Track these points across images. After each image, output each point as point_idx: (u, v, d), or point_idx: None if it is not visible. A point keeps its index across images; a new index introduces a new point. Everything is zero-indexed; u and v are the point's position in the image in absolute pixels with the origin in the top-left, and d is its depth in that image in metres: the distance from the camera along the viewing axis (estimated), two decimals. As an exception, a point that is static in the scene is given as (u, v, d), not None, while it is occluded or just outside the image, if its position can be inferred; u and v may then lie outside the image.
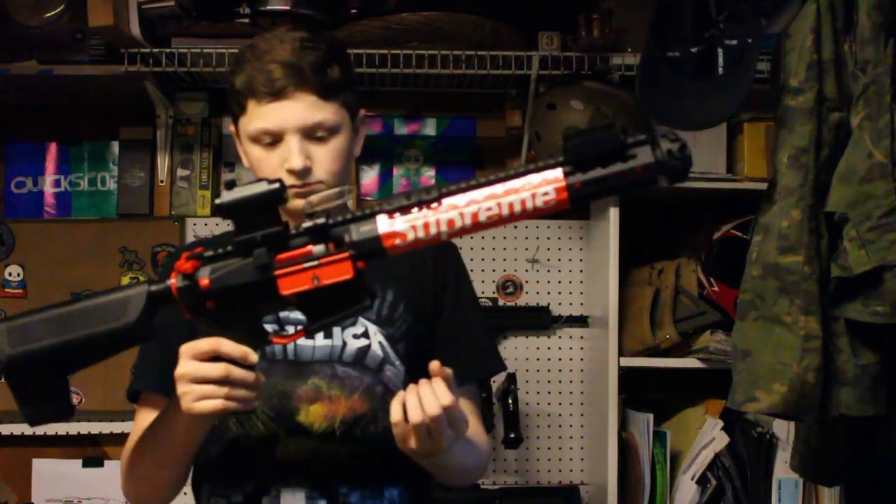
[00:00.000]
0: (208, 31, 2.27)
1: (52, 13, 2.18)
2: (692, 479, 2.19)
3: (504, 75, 2.31)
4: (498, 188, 0.98)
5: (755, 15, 1.95)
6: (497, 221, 0.99)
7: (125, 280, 2.43)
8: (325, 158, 1.33)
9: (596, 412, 2.34)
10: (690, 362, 2.22)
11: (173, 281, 1.06)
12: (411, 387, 1.17)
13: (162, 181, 2.48)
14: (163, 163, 2.47)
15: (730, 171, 2.36)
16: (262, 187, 1.03)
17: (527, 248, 2.51)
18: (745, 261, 1.80)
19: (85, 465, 2.41)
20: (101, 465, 2.40)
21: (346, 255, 1.03)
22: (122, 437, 1.39)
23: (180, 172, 2.48)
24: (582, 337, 2.49)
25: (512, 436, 2.32)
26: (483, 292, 2.49)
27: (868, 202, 1.62)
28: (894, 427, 1.78)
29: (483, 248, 2.50)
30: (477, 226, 1.00)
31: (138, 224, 2.47)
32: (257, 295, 1.06)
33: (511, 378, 2.38)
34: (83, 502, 2.40)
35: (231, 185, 1.04)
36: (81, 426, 2.38)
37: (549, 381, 2.49)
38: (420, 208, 1.01)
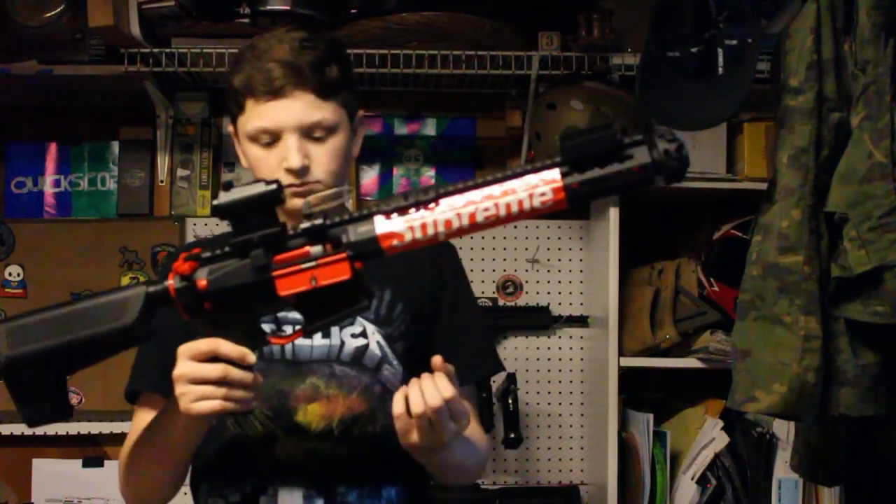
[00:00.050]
0: (208, 31, 2.27)
1: (52, 13, 2.18)
2: (692, 479, 2.19)
3: (504, 75, 2.31)
4: (495, 189, 0.99)
5: (755, 15, 1.95)
6: (495, 222, 0.99)
7: (125, 280, 2.43)
8: (323, 158, 1.33)
9: (596, 412, 2.34)
10: (690, 362, 2.22)
11: (171, 282, 1.06)
12: (413, 380, 1.18)
13: (162, 181, 2.48)
14: (163, 163, 2.47)
15: (730, 171, 2.35)
16: (260, 188, 1.03)
17: (527, 248, 2.51)
18: (745, 261, 1.80)
19: (85, 465, 2.41)
20: (101, 465, 2.41)
21: (343, 255, 1.03)
22: (122, 437, 1.38)
23: (180, 172, 2.48)
24: (582, 337, 2.49)
25: (512, 436, 2.32)
26: (483, 292, 2.49)
27: (868, 202, 1.62)
28: (894, 427, 1.78)
29: (483, 248, 2.50)
30: (474, 226, 1.00)
31: (138, 224, 2.47)
32: (255, 296, 1.06)
33: (511, 378, 2.38)
34: (83, 502, 2.40)
35: (228, 185, 1.04)
36: (81, 426, 2.38)
37: (549, 381, 2.49)
38: (418, 209, 1.01)
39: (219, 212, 1.04)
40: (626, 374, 2.21)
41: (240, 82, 1.34)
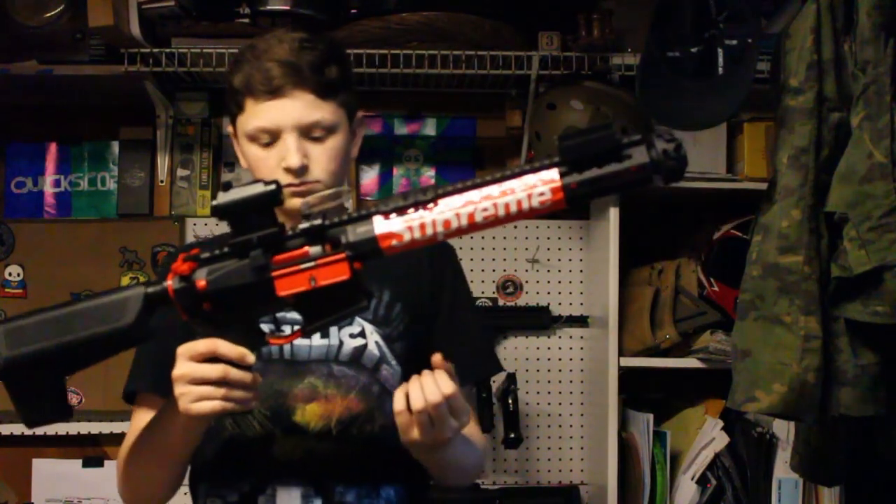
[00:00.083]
0: (208, 31, 2.27)
1: (52, 13, 2.18)
2: (692, 479, 2.19)
3: (504, 75, 2.31)
4: (494, 189, 0.99)
5: (755, 15, 1.95)
6: (493, 222, 0.99)
7: (125, 280, 2.43)
8: (322, 157, 1.33)
9: (596, 412, 2.34)
10: (690, 362, 2.22)
11: (170, 283, 1.06)
12: (414, 377, 1.18)
13: (162, 181, 2.48)
14: (163, 163, 2.47)
15: (730, 171, 2.35)
16: (259, 188, 1.03)
17: (527, 248, 2.51)
18: (745, 261, 1.80)
19: (85, 465, 2.41)
20: (101, 465, 2.41)
21: (342, 255, 1.03)
22: (121, 438, 1.39)
23: (180, 172, 2.48)
24: (582, 337, 2.49)
25: (512, 436, 2.32)
26: (483, 292, 2.49)
27: (868, 202, 1.62)
28: (894, 427, 1.78)
29: (483, 248, 2.50)
30: (473, 226, 1.00)
31: (138, 224, 2.47)
32: (254, 296, 1.06)
33: (511, 378, 2.38)
34: (83, 502, 2.40)
35: (227, 186, 1.04)
36: (81, 426, 2.38)
37: (549, 381, 2.49)
38: (416, 209, 1.01)
39: (218, 212, 1.04)
40: (626, 374, 2.21)
41: (239, 82, 1.34)
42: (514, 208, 0.98)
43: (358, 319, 1.37)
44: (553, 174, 0.97)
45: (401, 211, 1.01)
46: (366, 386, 1.35)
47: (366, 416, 1.34)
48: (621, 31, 2.27)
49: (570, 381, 2.49)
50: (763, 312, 1.73)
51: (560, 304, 2.50)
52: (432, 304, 1.43)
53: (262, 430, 1.33)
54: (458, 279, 1.49)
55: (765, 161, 2.26)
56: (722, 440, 2.19)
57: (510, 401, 2.34)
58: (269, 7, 2.22)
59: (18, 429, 2.31)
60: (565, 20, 2.28)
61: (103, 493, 2.38)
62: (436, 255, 1.44)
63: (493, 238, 2.50)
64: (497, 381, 2.37)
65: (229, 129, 1.42)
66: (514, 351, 2.48)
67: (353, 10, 2.28)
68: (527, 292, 2.51)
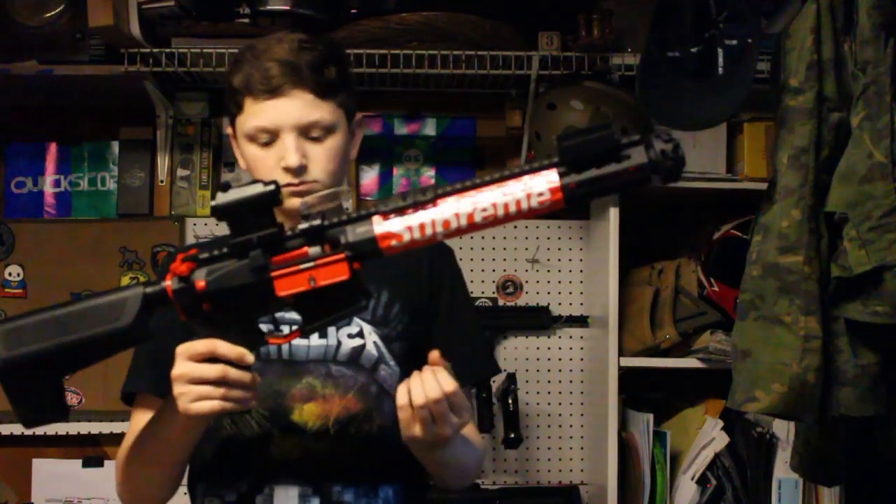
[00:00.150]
0: (208, 31, 2.27)
1: (52, 13, 2.18)
2: (692, 479, 2.19)
3: (504, 75, 2.31)
4: (493, 189, 0.99)
5: (755, 15, 1.94)
6: (493, 222, 1.00)
7: (125, 280, 2.43)
8: (321, 157, 1.34)
9: (596, 412, 2.34)
10: (690, 362, 2.22)
11: (168, 283, 1.06)
12: (415, 373, 1.18)
13: (162, 181, 2.48)
14: (163, 163, 2.47)
15: (730, 171, 2.35)
16: (258, 189, 1.03)
17: (527, 248, 2.51)
18: (745, 261, 1.80)
19: (85, 465, 2.41)
20: (101, 465, 2.41)
21: (342, 256, 1.03)
22: (121, 438, 1.38)
23: (180, 172, 2.48)
24: (582, 337, 2.49)
25: (512, 436, 2.32)
26: (483, 292, 2.49)
27: (868, 202, 1.62)
28: (894, 427, 1.78)
29: (483, 248, 2.50)
30: (472, 226, 1.00)
31: (138, 224, 2.47)
32: (253, 296, 1.06)
33: (511, 378, 2.38)
34: (83, 502, 2.40)
35: (226, 186, 1.04)
36: (81, 426, 2.38)
37: (549, 381, 2.49)
38: (416, 209, 1.01)
39: (217, 212, 1.04)
40: (626, 374, 2.21)
41: (239, 82, 1.35)
42: (513, 208, 0.98)
43: (356, 319, 1.37)
44: (552, 174, 0.98)
45: (400, 211, 1.01)
46: (364, 386, 1.35)
47: (364, 416, 1.35)
48: (621, 31, 2.27)
49: (570, 381, 2.49)
50: (763, 312, 1.73)
51: (560, 304, 2.50)
52: (431, 305, 1.43)
53: (259, 429, 1.33)
54: (456, 280, 1.49)
55: (765, 161, 2.26)
56: (722, 440, 2.19)
57: (510, 401, 2.34)
58: (269, 7, 2.22)
59: (18, 429, 2.27)
60: (565, 20, 2.28)
61: (103, 493, 2.38)
62: (435, 255, 1.44)
63: (493, 238, 2.50)
64: (497, 381, 2.37)
65: (228, 129, 1.42)
66: (514, 351, 2.48)
67: (353, 10, 2.28)
68: (527, 292, 2.51)
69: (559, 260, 2.51)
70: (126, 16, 2.14)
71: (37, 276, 2.44)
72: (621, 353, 2.21)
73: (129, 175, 2.48)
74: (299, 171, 1.32)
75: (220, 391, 1.09)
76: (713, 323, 2.20)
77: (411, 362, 1.30)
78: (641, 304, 2.25)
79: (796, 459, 1.91)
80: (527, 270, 2.51)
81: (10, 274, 2.44)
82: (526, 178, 0.98)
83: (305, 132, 1.33)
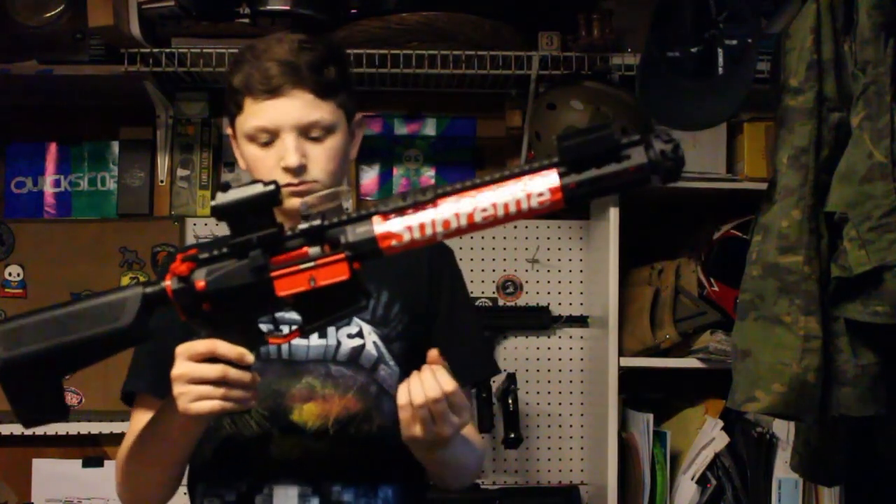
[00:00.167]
0: (208, 31, 2.27)
1: (52, 13, 2.18)
2: (692, 479, 2.18)
3: (504, 75, 2.31)
4: (493, 189, 0.99)
5: (755, 15, 1.94)
6: (493, 222, 1.00)
7: (125, 280, 2.43)
8: (320, 157, 1.34)
9: (596, 412, 2.34)
10: (690, 362, 2.22)
11: (168, 283, 1.06)
12: (414, 373, 1.19)
13: (162, 181, 2.48)
14: (163, 163, 2.47)
15: (730, 171, 2.35)
16: (258, 189, 1.03)
17: (527, 248, 2.51)
18: (745, 261, 1.79)
19: (85, 465, 2.41)
20: (101, 465, 2.41)
21: (342, 256, 1.03)
22: (121, 438, 1.39)
23: (180, 172, 2.48)
24: (582, 337, 2.49)
25: (512, 436, 2.32)
26: (483, 292, 2.49)
27: (868, 202, 1.62)
28: (894, 427, 1.78)
29: (483, 248, 2.50)
30: (473, 226, 1.00)
31: (138, 224, 2.47)
32: (254, 296, 1.06)
33: (511, 378, 2.38)
34: (83, 502, 2.40)
35: (226, 186, 1.04)
36: (81, 426, 2.38)
37: (549, 381, 2.49)
38: (416, 209, 1.01)
39: (217, 212, 1.04)
40: (626, 374, 2.21)
41: (238, 82, 1.35)
42: (513, 208, 0.99)
43: (356, 320, 1.37)
44: (552, 174, 0.98)
45: (400, 211, 1.01)
46: (363, 386, 1.35)
47: (363, 416, 1.35)
48: (621, 31, 2.27)
49: (570, 381, 2.49)
50: (763, 312, 1.73)
51: (560, 304, 2.50)
52: (431, 305, 1.43)
53: (259, 429, 1.33)
54: (456, 281, 1.49)
55: (765, 161, 2.26)
56: (722, 440, 2.19)
57: (510, 401, 2.34)
58: (269, 7, 2.22)
59: (18, 429, 2.27)
60: (565, 20, 2.28)
61: (103, 493, 2.38)
62: (434, 256, 1.45)
63: (493, 238, 2.50)
64: (497, 381, 2.37)
65: (228, 130, 1.42)
66: (514, 351, 2.48)
67: (353, 10, 2.28)
68: (527, 292, 2.51)
69: (559, 260, 2.51)
70: (126, 16, 2.14)
71: (37, 276, 2.44)
72: (621, 353, 2.21)
73: (129, 175, 2.48)
74: (299, 170, 1.32)
75: (220, 391, 1.09)
76: (713, 323, 2.20)
77: (411, 362, 1.30)
78: (641, 304, 2.25)
79: (796, 459, 1.91)
80: (527, 270, 2.51)
81: (10, 274, 2.44)
82: (526, 178, 0.98)
83: (305, 132, 1.33)
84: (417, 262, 1.42)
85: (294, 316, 1.11)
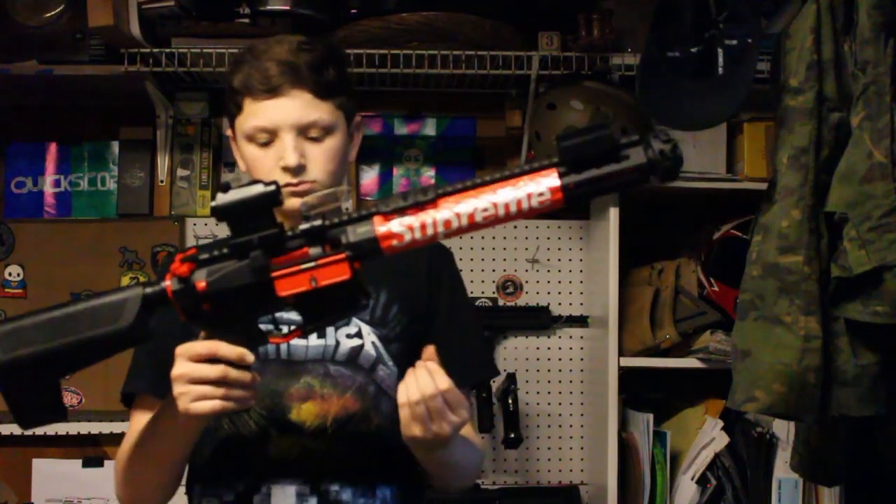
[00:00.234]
0: (208, 31, 2.27)
1: (52, 13, 2.18)
2: (692, 479, 2.19)
3: (504, 75, 2.31)
4: (494, 189, 0.99)
5: (755, 15, 1.94)
6: (493, 221, 1.00)
7: (125, 280, 2.43)
8: (320, 157, 1.34)
9: (596, 412, 2.34)
10: (690, 362, 2.22)
11: (168, 283, 1.06)
12: (409, 370, 1.19)
13: (162, 181, 2.48)
14: (163, 163, 2.47)
15: (730, 171, 2.35)
16: (258, 189, 1.03)
17: (527, 248, 2.51)
18: (745, 261, 1.80)
19: (85, 465, 2.41)
20: (101, 465, 2.41)
21: (342, 256, 1.03)
22: (121, 438, 1.38)
23: (180, 172, 2.48)
24: (582, 337, 2.49)
25: (512, 436, 2.32)
26: (483, 292, 2.49)
27: (868, 202, 1.62)
28: (894, 427, 1.78)
29: (483, 248, 2.50)
30: (473, 226, 1.01)
31: (138, 224, 2.47)
32: (254, 297, 1.06)
33: (511, 378, 2.38)
34: (83, 502, 2.40)
35: (226, 187, 1.04)
36: (81, 426, 2.38)
37: (549, 381, 2.49)
38: (417, 209, 1.01)
39: (217, 213, 1.04)
40: (626, 374, 2.21)
41: (238, 82, 1.35)
42: (513, 208, 0.99)
43: (355, 320, 1.37)
44: (552, 174, 0.98)
45: (401, 211, 1.01)
46: (362, 386, 1.35)
47: (362, 416, 1.35)
48: (621, 31, 2.27)
49: (570, 381, 2.49)
50: (763, 312, 1.73)
51: (560, 304, 2.50)
52: (430, 306, 1.43)
53: (257, 428, 1.33)
54: (455, 282, 1.49)
55: (765, 161, 2.26)
56: (722, 440, 2.19)
57: (510, 401, 2.34)
58: (269, 7, 2.22)
59: (18, 429, 2.27)
60: (565, 20, 2.28)
61: (103, 493, 2.38)
62: (434, 257, 1.45)
63: (493, 238, 2.50)
64: (497, 381, 2.37)
65: (228, 131, 1.42)
66: (514, 351, 2.48)
67: (353, 10, 2.28)
68: (527, 292, 2.51)
69: (559, 260, 2.51)
70: (126, 16, 2.14)
71: (37, 276, 2.44)
72: (621, 353, 2.21)
73: (129, 175, 2.48)
74: (298, 170, 1.32)
75: (221, 391, 1.10)
76: (713, 323, 2.20)
77: (410, 363, 1.29)
78: (641, 304, 2.25)
79: (796, 459, 1.91)
80: (527, 270, 2.51)
81: (10, 274, 2.44)
82: (526, 178, 0.99)
83: (304, 132, 1.33)
84: (416, 263, 1.42)
85: (293, 316, 1.11)
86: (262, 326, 1.12)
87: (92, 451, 2.43)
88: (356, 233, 1.03)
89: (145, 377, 1.37)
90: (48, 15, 2.18)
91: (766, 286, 1.73)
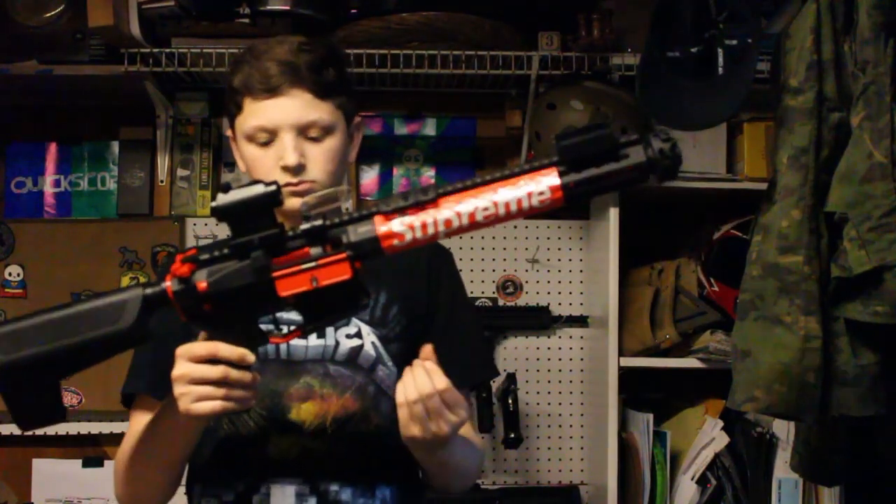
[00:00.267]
0: (208, 31, 2.27)
1: (52, 13, 2.18)
2: (692, 479, 2.19)
3: (504, 75, 2.31)
4: (494, 188, 0.99)
5: (755, 15, 1.94)
6: (494, 220, 1.00)
7: (125, 280, 2.43)
8: (319, 157, 1.34)
9: (596, 412, 2.34)
10: (690, 362, 2.22)
11: (168, 284, 1.06)
12: (407, 369, 1.19)
13: (162, 181, 2.48)
14: (163, 163, 2.47)
15: (730, 171, 2.35)
16: (259, 189, 1.03)
17: (527, 248, 2.51)
18: (745, 261, 1.80)
19: (85, 465, 2.41)
20: (100, 465, 2.41)
21: (343, 255, 1.03)
22: (121, 438, 1.38)
23: (180, 172, 2.48)
24: (582, 337, 2.49)
25: (512, 436, 2.32)
26: (483, 292, 2.49)
27: (868, 202, 1.62)
28: (894, 427, 1.78)
29: (483, 248, 2.50)
30: (474, 225, 1.01)
31: (138, 224, 2.47)
32: (256, 297, 1.06)
33: (511, 378, 2.38)
34: (83, 502, 2.40)
35: (227, 187, 1.04)
36: (81, 426, 2.38)
37: (549, 381, 2.49)
38: (417, 208, 1.01)
39: (217, 213, 1.04)
40: (626, 374, 2.21)
41: (238, 82, 1.35)
42: (514, 207, 0.99)
43: (354, 320, 1.37)
44: (552, 174, 0.98)
45: (402, 210, 1.02)
46: (362, 386, 1.35)
47: (361, 416, 1.34)
48: (621, 31, 2.27)
49: (570, 381, 2.49)
50: (763, 312, 1.73)
51: (560, 304, 2.50)
52: (429, 307, 1.43)
53: (257, 428, 1.33)
54: (455, 282, 1.49)
55: (765, 161, 2.26)
56: (722, 440, 2.19)
57: (510, 401, 2.34)
58: (269, 7, 2.22)
59: (18, 429, 2.30)
60: (565, 20, 2.28)
61: (103, 493, 2.38)
62: (433, 258, 1.45)
63: (493, 238, 2.50)
64: (497, 381, 2.37)
65: (228, 132, 1.42)
66: (514, 351, 2.48)
67: (353, 10, 2.28)
68: (527, 292, 2.51)
69: (559, 260, 2.51)
70: (126, 16, 2.14)
71: (37, 276, 2.44)
72: (621, 353, 2.21)
73: (129, 175, 2.48)
74: (297, 169, 1.32)
75: (222, 391, 1.09)
76: (713, 323, 2.21)
77: (409, 363, 1.29)
78: (641, 304, 2.25)
79: (796, 459, 1.91)
80: (527, 270, 2.51)
81: (10, 274, 2.44)
82: (526, 177, 0.99)
83: (304, 132, 1.33)
84: (416, 263, 1.42)
85: (294, 316, 1.11)
86: (263, 326, 1.12)
87: (92, 451, 2.43)
88: (357, 232, 1.03)
89: (145, 378, 1.37)
90: (48, 15, 2.18)
91: (766, 286, 1.73)
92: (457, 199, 1.00)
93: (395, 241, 1.02)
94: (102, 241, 2.45)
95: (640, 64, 2.01)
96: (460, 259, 1.49)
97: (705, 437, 2.21)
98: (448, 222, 1.00)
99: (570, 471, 2.48)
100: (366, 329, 1.37)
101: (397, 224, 1.02)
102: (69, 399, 2.37)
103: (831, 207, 1.68)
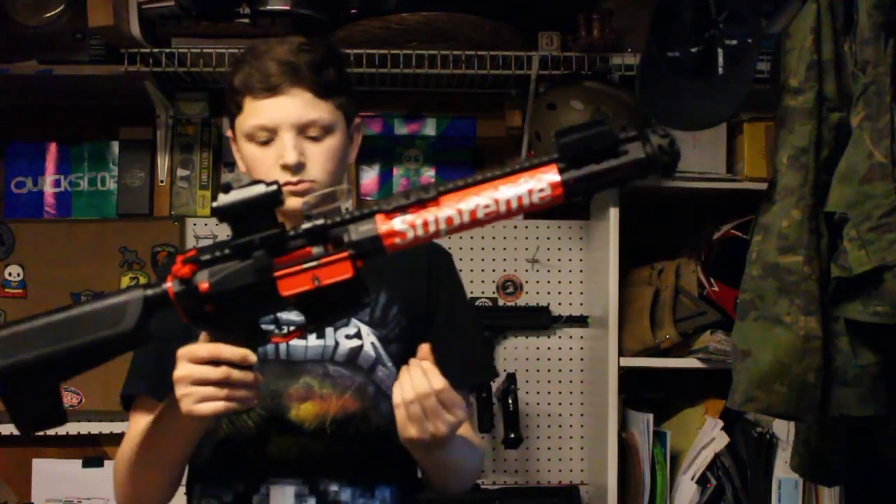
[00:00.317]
0: (208, 31, 2.27)
1: (52, 13, 2.18)
2: (692, 479, 2.19)
3: (504, 75, 2.31)
4: (495, 185, 1.00)
5: (755, 15, 1.95)
6: (494, 217, 1.01)
7: (125, 280, 2.43)
8: (319, 157, 1.34)
9: (596, 412, 2.34)
10: (690, 362, 2.22)
11: (169, 285, 1.06)
12: (403, 368, 1.19)
13: (162, 181, 2.48)
14: (163, 163, 2.47)
15: (730, 171, 2.35)
16: (260, 189, 1.02)
17: (527, 248, 2.51)
18: (745, 261, 1.80)
19: (85, 465, 2.41)
20: (100, 465, 2.41)
21: (345, 254, 1.03)
22: (121, 438, 1.38)
23: (180, 172, 2.48)
24: (582, 337, 2.49)
25: (512, 436, 2.32)
26: (483, 292, 2.49)
27: (868, 202, 1.62)
28: (894, 427, 1.78)
29: (483, 248, 2.50)
30: (475, 222, 1.01)
31: (138, 224, 2.47)
32: (257, 297, 1.06)
33: (511, 378, 2.38)
34: (83, 502, 2.40)
35: (227, 187, 1.04)
36: (81, 426, 2.38)
37: (549, 381, 2.49)
38: (419, 207, 1.01)
39: (218, 213, 1.03)
40: (626, 374, 2.21)
41: (239, 81, 1.35)
42: (514, 204, 0.99)
43: (354, 321, 1.37)
44: (552, 170, 0.99)
45: (403, 209, 1.02)
46: (361, 386, 1.35)
47: (361, 416, 1.34)
48: (621, 31, 2.27)
49: (570, 381, 2.49)
50: (763, 312, 1.73)
51: (560, 304, 2.50)
52: (429, 307, 1.43)
53: (257, 429, 1.33)
54: (455, 283, 1.49)
55: (765, 161, 2.26)
56: (722, 440, 2.19)
57: (510, 401, 2.34)
58: (269, 7, 2.22)
59: (18, 429, 2.31)
60: (565, 20, 2.28)
61: (103, 493, 2.38)
62: (433, 259, 1.45)
63: (493, 238, 2.50)
64: (497, 381, 2.37)
65: (229, 132, 1.43)
66: (514, 351, 2.48)
67: (353, 10, 2.28)
68: (527, 292, 2.51)
69: (559, 260, 2.51)
70: (126, 16, 2.14)
71: (37, 276, 2.44)
72: (621, 353, 2.21)
73: (129, 175, 2.48)
74: (297, 168, 1.32)
75: (224, 392, 1.09)
76: (713, 323, 2.21)
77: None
78: (641, 304, 2.25)
79: (796, 459, 1.91)
80: (527, 270, 2.51)
81: (10, 274, 2.44)
82: (526, 174, 0.99)
83: (304, 131, 1.33)
84: (416, 264, 1.42)
85: (295, 315, 1.11)
86: (264, 326, 1.12)
87: (92, 451, 2.43)
88: (358, 231, 1.03)
89: (144, 379, 1.37)
90: (48, 15, 2.18)
91: (766, 286, 1.73)
92: (458, 196, 1.00)
93: (397, 240, 1.02)
94: (102, 241, 2.45)
95: (640, 64, 2.01)
96: (460, 259, 1.49)
97: (705, 437, 2.21)
98: (449, 220, 1.00)
99: (570, 471, 2.48)
100: (365, 329, 1.37)
101: (399, 222, 1.02)
102: (69, 399, 2.37)
103: (831, 207, 1.68)
